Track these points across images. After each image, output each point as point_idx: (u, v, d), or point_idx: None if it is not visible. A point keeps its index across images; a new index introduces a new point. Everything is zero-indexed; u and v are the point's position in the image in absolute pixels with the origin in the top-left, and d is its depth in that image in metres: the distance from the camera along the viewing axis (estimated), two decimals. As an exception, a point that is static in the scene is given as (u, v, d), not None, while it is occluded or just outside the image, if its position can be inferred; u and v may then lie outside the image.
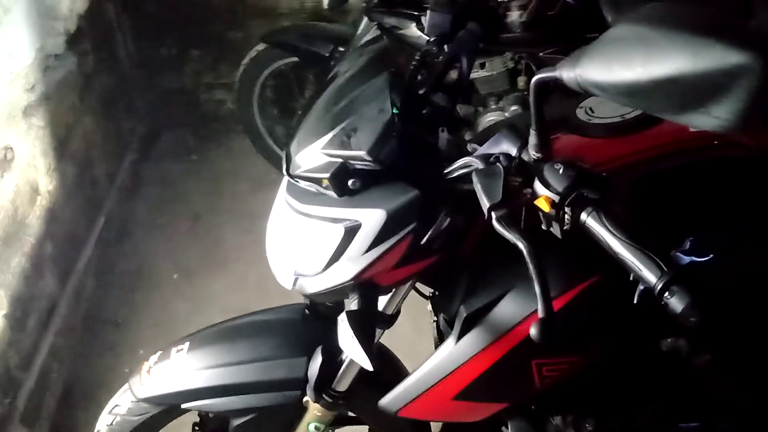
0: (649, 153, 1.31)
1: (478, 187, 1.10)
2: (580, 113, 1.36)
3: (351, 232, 1.22)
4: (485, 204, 1.07)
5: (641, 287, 1.28)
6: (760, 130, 1.31)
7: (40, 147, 2.86)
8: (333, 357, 1.50)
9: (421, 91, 1.40)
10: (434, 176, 1.23)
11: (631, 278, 1.17)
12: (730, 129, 0.80)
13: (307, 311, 1.59)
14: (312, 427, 1.59)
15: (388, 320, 1.42)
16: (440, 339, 1.50)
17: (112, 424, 1.66)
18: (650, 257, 0.95)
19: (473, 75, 2.55)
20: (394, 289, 1.39)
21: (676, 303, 0.91)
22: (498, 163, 1.11)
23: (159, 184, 3.92)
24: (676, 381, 1.46)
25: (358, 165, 1.21)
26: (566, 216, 1.03)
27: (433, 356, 1.39)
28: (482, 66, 2.61)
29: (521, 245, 1.02)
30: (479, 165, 1.13)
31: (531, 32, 2.32)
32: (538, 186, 1.05)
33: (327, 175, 1.21)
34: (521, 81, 2.64)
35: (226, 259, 3.39)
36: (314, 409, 1.56)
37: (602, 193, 1.02)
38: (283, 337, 1.57)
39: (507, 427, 1.50)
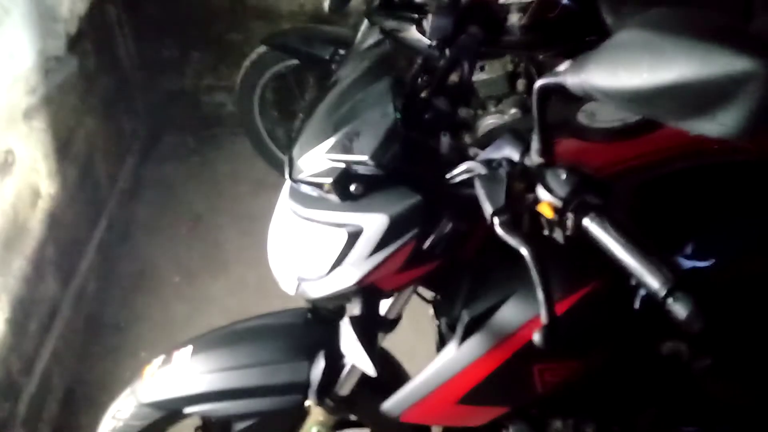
0: (650, 157, 1.31)
1: (480, 192, 1.10)
2: (581, 117, 1.36)
3: (354, 236, 1.22)
4: (488, 209, 1.07)
5: (643, 292, 1.29)
6: (762, 135, 1.31)
7: (41, 150, 2.85)
8: (335, 361, 1.50)
9: (422, 95, 1.40)
10: (436, 181, 1.23)
11: (632, 283, 1.17)
12: (737, 136, 0.80)
13: (309, 315, 1.59)
14: (314, 431, 1.59)
15: (390, 325, 1.42)
16: (441, 343, 1.50)
17: (114, 429, 1.66)
18: (653, 263, 0.95)
19: (473, 78, 2.55)
20: (396, 294, 1.39)
21: (679, 309, 0.91)
22: (500, 169, 1.11)
23: (160, 186, 3.92)
24: (676, 385, 1.46)
25: (361, 170, 1.21)
26: (569, 222, 1.03)
27: (435, 360, 1.39)
28: (481, 69, 2.62)
29: (524, 251, 1.02)
30: (482, 170, 1.13)
31: (530, 35, 2.32)
32: (540, 191, 1.05)
33: (329, 179, 1.22)
34: (520, 84, 2.64)
35: (226, 261, 3.40)
36: (316, 414, 1.56)
37: (605, 199, 1.02)
38: (285, 341, 1.57)
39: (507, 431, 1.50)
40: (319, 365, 1.51)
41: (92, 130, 3.43)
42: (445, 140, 1.32)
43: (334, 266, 1.25)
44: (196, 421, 1.71)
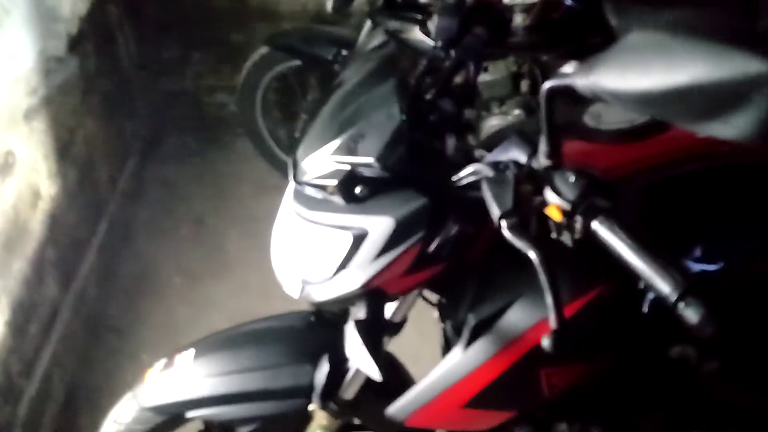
0: (658, 159, 1.30)
1: (487, 194, 1.09)
2: (588, 119, 1.35)
3: (359, 239, 1.21)
4: (495, 212, 1.06)
5: (651, 296, 1.29)
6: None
7: (41, 151, 2.84)
8: (339, 365, 1.49)
9: (427, 97, 1.39)
10: (442, 183, 1.22)
11: (641, 287, 1.16)
12: (750, 139, 0.79)
13: (312, 318, 1.58)
14: (318, 435, 1.58)
15: (395, 328, 1.42)
16: (447, 346, 1.49)
17: (115, 433, 1.65)
18: (664, 267, 0.94)
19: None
20: (401, 297, 1.38)
21: (691, 314, 0.90)
22: (507, 171, 1.10)
23: (161, 187, 3.91)
24: (684, 388, 1.45)
25: (366, 172, 1.21)
26: (577, 225, 1.02)
27: (441, 364, 1.38)
28: (485, 70, 2.61)
29: (532, 254, 1.01)
30: (489, 173, 1.12)
31: (534, 36, 2.31)
32: (548, 194, 1.04)
33: (334, 181, 1.21)
34: (524, 85, 2.64)
35: (228, 263, 3.38)
36: (320, 418, 1.55)
37: (614, 202, 1.01)
38: (288, 344, 1.57)
39: (513, 436, 1.49)
40: (323, 369, 1.50)
41: (93, 131, 3.42)
42: (450, 142, 1.31)
43: (338, 269, 1.24)
44: (199, 426, 1.70)
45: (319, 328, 1.57)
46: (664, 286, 0.93)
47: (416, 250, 1.21)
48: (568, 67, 0.97)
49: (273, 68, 3.52)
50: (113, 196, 3.60)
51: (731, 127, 0.80)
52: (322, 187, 1.25)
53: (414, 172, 1.21)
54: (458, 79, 1.48)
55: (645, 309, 1.29)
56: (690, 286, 0.92)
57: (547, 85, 0.98)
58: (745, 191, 1.34)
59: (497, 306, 1.32)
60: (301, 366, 1.52)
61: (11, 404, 2.42)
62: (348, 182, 1.20)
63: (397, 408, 1.45)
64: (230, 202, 3.76)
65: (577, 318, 1.24)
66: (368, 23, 2.82)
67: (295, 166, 1.30)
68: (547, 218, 1.05)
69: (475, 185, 1.15)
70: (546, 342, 0.99)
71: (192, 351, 1.60)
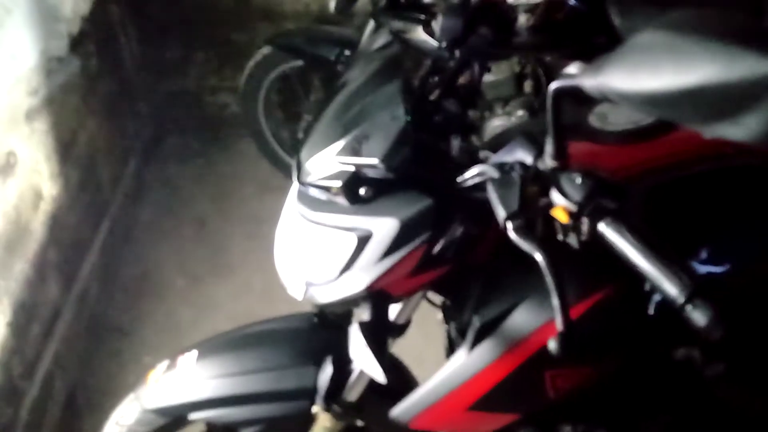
0: (664, 160, 1.29)
1: (493, 196, 1.08)
2: (593, 120, 1.35)
3: (363, 240, 1.20)
4: (501, 214, 1.05)
5: (657, 298, 1.28)
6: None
7: (43, 151, 2.84)
8: (343, 366, 1.49)
9: (432, 97, 1.38)
10: (447, 184, 1.21)
11: (647, 289, 1.15)
12: (762, 140, 0.78)
13: (316, 320, 1.58)
14: (321, 437, 1.58)
15: (399, 330, 1.41)
16: (451, 348, 1.49)
17: (117, 434, 1.65)
18: (672, 269, 0.93)
19: (478, 80, 2.54)
20: (405, 299, 1.37)
21: (699, 317, 0.89)
22: (513, 172, 1.10)
23: (163, 188, 3.90)
24: (689, 391, 1.44)
25: (371, 173, 1.20)
26: (584, 226, 1.01)
27: (445, 366, 1.38)
28: (488, 71, 2.60)
29: (538, 256, 1.00)
30: (494, 174, 1.12)
31: (538, 36, 2.31)
32: (555, 195, 1.03)
33: (339, 182, 1.20)
34: (527, 86, 2.63)
35: (231, 265, 3.38)
36: (323, 420, 1.54)
37: (621, 203, 1.00)
38: (292, 346, 1.56)
39: (516, 438, 1.48)
40: (327, 371, 1.50)
41: (95, 132, 3.42)
42: (455, 143, 1.31)
43: (343, 271, 1.23)
44: (201, 427, 1.69)
45: (323, 330, 1.57)
46: (671, 288, 0.92)
47: (421, 251, 1.20)
48: (573, 68, 0.96)
49: (275, 68, 3.52)
50: (115, 197, 3.60)
51: (741, 128, 0.79)
52: (327, 188, 1.24)
53: (419, 173, 1.21)
54: (462, 79, 1.47)
55: (651, 311, 1.28)
56: (698, 289, 0.91)
57: (554, 85, 0.97)
58: (751, 193, 1.33)
59: (502, 308, 1.31)
60: (305, 368, 1.52)
61: (13, 406, 2.41)
62: (352, 183, 1.20)
63: (400, 410, 1.44)
64: (232, 202, 3.75)
65: (582, 320, 1.23)
66: (371, 23, 2.81)
67: (299, 166, 1.29)
68: (553, 220, 1.05)
69: (480, 186, 1.14)
70: (552, 344, 0.98)
71: (195, 352, 1.60)
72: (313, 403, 1.52)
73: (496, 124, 2.61)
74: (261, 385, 1.53)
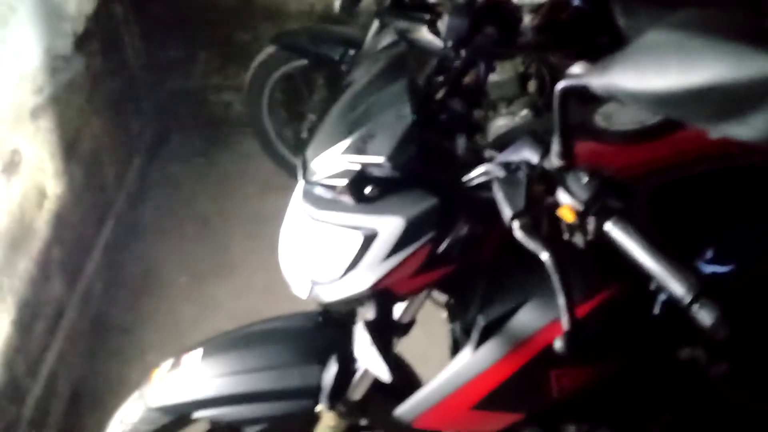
0: (670, 160, 1.29)
1: (499, 195, 1.08)
2: (599, 119, 1.35)
3: (369, 239, 1.20)
4: (507, 213, 1.05)
5: (662, 297, 1.28)
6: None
7: (47, 150, 2.85)
8: (347, 365, 1.49)
9: (437, 97, 1.38)
10: (453, 183, 1.21)
11: (652, 288, 1.15)
12: None
13: (320, 319, 1.58)
14: (325, 436, 1.58)
15: (404, 329, 1.41)
16: (455, 348, 1.48)
17: (121, 433, 1.65)
18: (678, 268, 0.93)
19: (482, 79, 2.55)
20: (410, 298, 1.37)
21: (705, 316, 0.89)
22: (519, 172, 1.10)
23: (167, 186, 3.91)
24: (693, 390, 1.44)
25: (376, 171, 1.20)
26: (590, 225, 1.01)
27: (449, 365, 1.37)
28: (493, 70, 2.60)
29: (544, 255, 1.00)
30: (500, 173, 1.11)
31: (542, 36, 2.31)
32: (561, 195, 1.03)
33: (344, 181, 1.20)
34: (532, 85, 2.63)
35: (233, 263, 3.38)
36: (327, 419, 1.54)
37: (627, 202, 1.00)
38: (296, 344, 1.56)
39: (520, 437, 1.48)
40: (331, 369, 1.50)
41: (99, 130, 3.42)
42: (460, 142, 1.30)
43: (348, 269, 1.23)
44: (205, 426, 1.69)
45: (327, 329, 1.57)
46: (677, 287, 0.92)
47: (426, 250, 1.20)
48: (577, 68, 0.96)
49: (279, 68, 3.53)
50: (119, 195, 3.61)
51: (749, 128, 0.79)
52: (332, 187, 1.24)
53: (424, 172, 1.21)
54: (468, 79, 1.47)
55: (656, 311, 1.28)
56: (704, 288, 0.91)
57: (561, 85, 0.97)
58: (755, 192, 1.33)
59: (507, 307, 1.31)
60: (309, 366, 1.52)
61: (17, 403, 2.42)
62: (358, 182, 1.20)
63: (405, 409, 1.44)
64: (235, 201, 3.76)
65: (588, 319, 1.23)
66: (376, 23, 2.82)
67: (305, 165, 1.29)
68: (558, 219, 1.05)
69: (485, 185, 1.14)
70: (558, 344, 0.98)
71: (199, 351, 1.60)
72: (317, 401, 1.52)
73: (500, 123, 2.61)
74: (265, 383, 1.52)
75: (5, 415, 2.35)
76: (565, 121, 1.01)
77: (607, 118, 1.34)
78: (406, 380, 1.61)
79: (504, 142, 1.22)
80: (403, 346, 1.50)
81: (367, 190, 1.20)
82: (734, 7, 0.96)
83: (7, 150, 2.52)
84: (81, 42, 3.23)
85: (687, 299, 0.91)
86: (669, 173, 1.30)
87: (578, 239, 1.04)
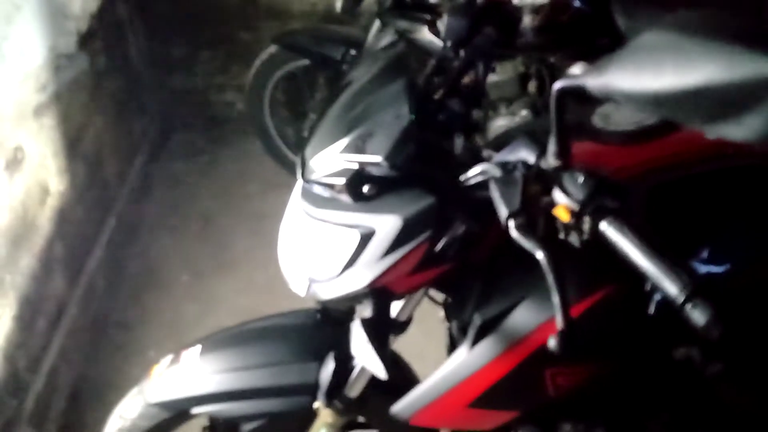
0: (666, 161, 1.29)
1: (495, 194, 1.08)
2: (596, 120, 1.35)
3: (366, 237, 1.21)
4: (503, 212, 1.06)
5: (658, 297, 1.28)
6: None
7: (50, 147, 2.86)
8: (345, 363, 1.50)
9: (436, 97, 1.39)
10: (450, 183, 1.22)
11: (647, 288, 1.15)
12: (764, 140, 0.79)
13: (318, 316, 1.58)
14: (322, 433, 1.59)
15: (401, 327, 1.42)
16: (452, 346, 1.49)
17: (121, 428, 1.65)
18: (672, 268, 0.93)
19: (482, 80, 2.55)
20: (407, 296, 1.38)
21: (698, 316, 0.90)
22: (516, 171, 1.10)
23: (169, 185, 3.92)
24: (689, 390, 1.44)
25: (374, 170, 1.21)
26: (585, 225, 1.02)
27: (446, 363, 1.38)
28: (492, 71, 2.61)
29: (540, 255, 1.01)
30: (497, 173, 1.12)
31: (543, 37, 2.31)
32: (557, 194, 1.04)
33: (342, 180, 1.21)
34: (531, 86, 2.63)
35: (235, 261, 3.39)
36: (325, 415, 1.55)
37: (623, 202, 1.01)
38: (294, 342, 1.57)
39: (516, 435, 1.49)
40: (329, 367, 1.50)
41: (102, 128, 3.43)
42: (458, 142, 1.31)
43: (345, 267, 1.24)
44: (204, 422, 1.70)
45: (325, 326, 1.57)
46: (671, 287, 0.92)
47: (423, 249, 1.21)
48: (577, 68, 0.97)
49: (281, 67, 3.53)
50: (121, 193, 3.61)
51: (744, 128, 0.79)
52: (330, 186, 1.24)
53: (422, 172, 1.21)
54: (467, 79, 1.47)
55: (651, 310, 1.28)
56: (698, 288, 0.91)
57: (558, 85, 0.98)
58: (751, 193, 1.33)
59: (503, 306, 1.31)
60: (307, 363, 1.53)
61: (18, 398, 2.43)
62: (356, 181, 1.20)
63: (401, 406, 1.45)
64: (237, 199, 3.77)
65: (583, 319, 1.23)
66: (377, 23, 2.82)
67: (304, 164, 1.29)
68: (554, 219, 1.05)
69: (482, 185, 1.15)
70: (552, 342, 0.98)
71: (198, 347, 1.60)
72: (314, 398, 1.53)
73: (499, 123, 2.61)
74: (263, 380, 1.53)
75: (7, 410, 2.36)
76: (561, 121, 1.02)
77: (604, 118, 1.34)
78: (403, 378, 1.62)
79: (501, 141, 1.23)
80: (400, 344, 1.50)
81: (365, 188, 1.20)
82: (734, 7, 0.97)
83: (11, 147, 2.53)
84: (85, 40, 3.24)
85: (680, 299, 0.91)
86: (666, 174, 1.30)
87: (574, 239, 1.04)
